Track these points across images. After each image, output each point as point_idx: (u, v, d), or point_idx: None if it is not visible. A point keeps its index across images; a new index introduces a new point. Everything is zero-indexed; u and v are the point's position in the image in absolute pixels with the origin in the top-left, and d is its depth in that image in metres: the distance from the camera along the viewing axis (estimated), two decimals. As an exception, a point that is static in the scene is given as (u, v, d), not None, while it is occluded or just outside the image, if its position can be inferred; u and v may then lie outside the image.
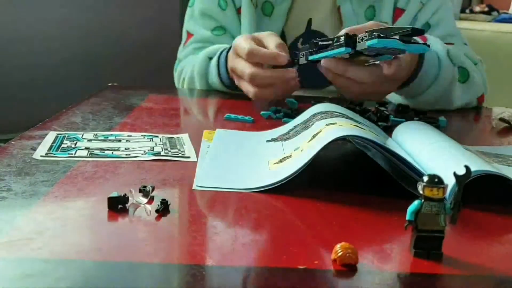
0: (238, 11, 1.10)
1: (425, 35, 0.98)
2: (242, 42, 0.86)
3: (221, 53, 0.99)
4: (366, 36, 0.71)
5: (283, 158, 0.58)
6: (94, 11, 2.36)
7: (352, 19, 1.07)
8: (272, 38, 0.87)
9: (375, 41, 0.68)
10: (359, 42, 0.72)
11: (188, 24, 1.15)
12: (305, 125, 0.65)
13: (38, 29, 2.28)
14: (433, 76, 0.90)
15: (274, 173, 0.54)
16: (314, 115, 0.66)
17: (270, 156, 0.60)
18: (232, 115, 0.81)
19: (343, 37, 0.73)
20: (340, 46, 0.74)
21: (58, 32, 2.31)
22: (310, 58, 0.81)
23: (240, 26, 1.09)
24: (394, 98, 0.97)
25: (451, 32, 1.08)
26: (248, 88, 0.87)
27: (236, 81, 0.92)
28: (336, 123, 0.58)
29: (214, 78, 1.00)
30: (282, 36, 1.10)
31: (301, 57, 0.84)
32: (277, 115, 0.83)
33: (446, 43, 1.01)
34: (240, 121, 0.79)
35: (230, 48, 0.94)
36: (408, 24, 1.06)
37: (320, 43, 0.79)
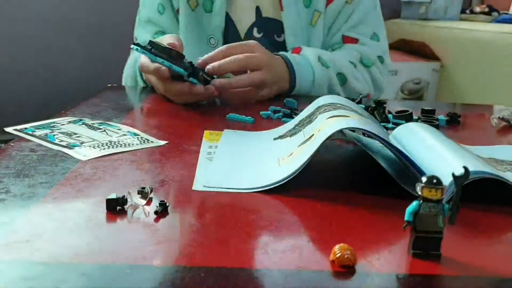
0: (178, 11, 1.14)
1: (301, 46, 1.08)
2: (143, 60, 0.89)
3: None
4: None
5: (291, 154, 0.58)
6: (94, 11, 2.36)
7: (291, 5, 1.10)
8: (165, 40, 0.88)
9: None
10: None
11: (135, 31, 1.20)
12: (310, 118, 0.65)
13: (36, 28, 2.28)
14: (310, 81, 1.02)
15: (283, 169, 0.54)
16: (319, 108, 0.66)
17: (279, 153, 0.60)
18: (234, 115, 0.81)
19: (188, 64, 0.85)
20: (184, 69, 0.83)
21: (57, 31, 2.31)
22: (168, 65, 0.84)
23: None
24: None
25: (364, 21, 1.15)
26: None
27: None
28: (341, 115, 0.58)
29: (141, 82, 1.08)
30: (233, 28, 1.13)
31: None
32: (276, 115, 0.83)
33: (352, 38, 1.13)
34: (241, 121, 0.80)
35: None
36: (338, 8, 1.13)
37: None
